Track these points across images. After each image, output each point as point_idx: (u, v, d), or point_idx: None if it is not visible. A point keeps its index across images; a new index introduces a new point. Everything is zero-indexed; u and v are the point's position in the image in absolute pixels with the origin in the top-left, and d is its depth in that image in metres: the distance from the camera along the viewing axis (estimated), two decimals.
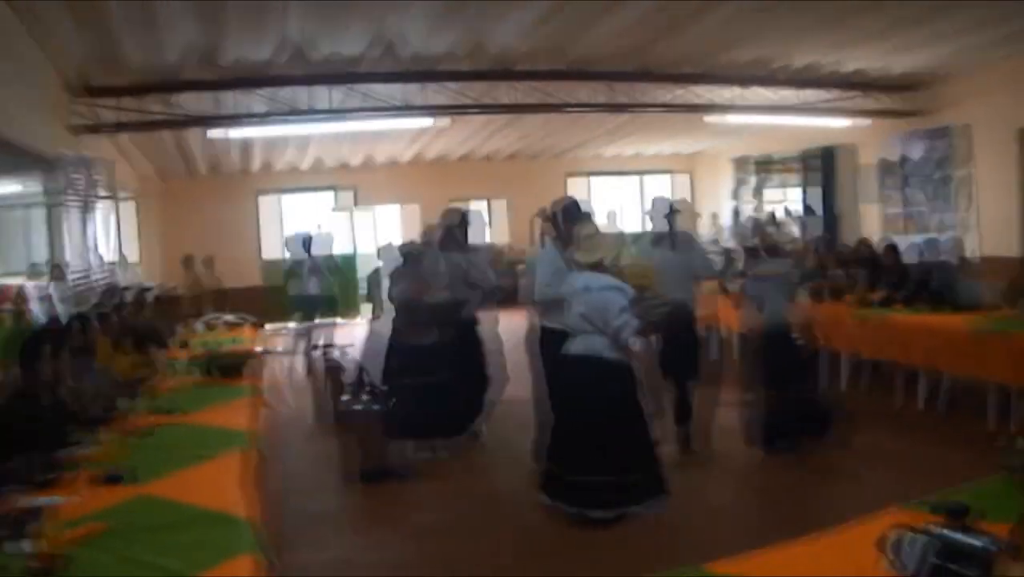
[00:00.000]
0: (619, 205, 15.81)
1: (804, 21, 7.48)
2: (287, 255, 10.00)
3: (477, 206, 12.48)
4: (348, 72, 8.29)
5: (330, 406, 6.90)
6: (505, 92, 9.15)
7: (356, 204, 14.62)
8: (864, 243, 8.32)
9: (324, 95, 8.59)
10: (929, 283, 6.56)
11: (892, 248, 7.37)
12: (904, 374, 6.57)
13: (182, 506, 2.88)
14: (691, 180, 17.10)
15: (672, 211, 5.67)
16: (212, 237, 13.02)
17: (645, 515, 4.31)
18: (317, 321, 9.36)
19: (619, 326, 4.33)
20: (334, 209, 14.64)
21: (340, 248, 14.19)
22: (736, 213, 15.18)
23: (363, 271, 14.65)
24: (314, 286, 9.30)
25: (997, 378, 5.63)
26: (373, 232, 14.34)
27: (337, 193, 14.79)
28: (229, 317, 9.16)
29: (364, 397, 5.65)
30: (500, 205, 15.44)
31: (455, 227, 6.29)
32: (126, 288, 7.68)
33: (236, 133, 9.42)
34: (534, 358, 5.32)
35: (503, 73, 8.75)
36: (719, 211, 15.44)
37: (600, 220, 6.01)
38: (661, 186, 16.58)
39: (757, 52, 8.77)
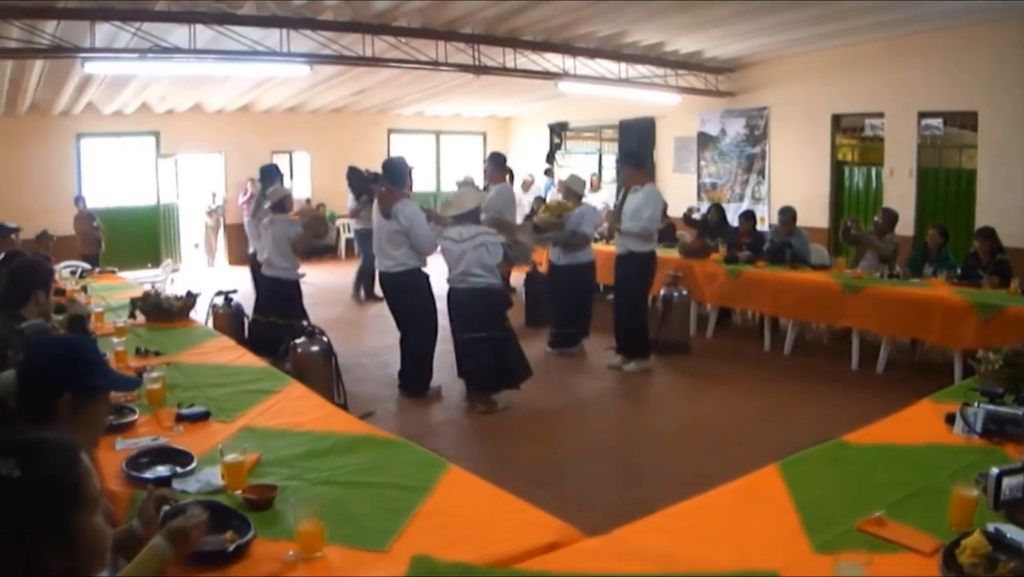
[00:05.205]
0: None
1: (656, 5, 8.35)
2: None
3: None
4: (222, 13, 7.93)
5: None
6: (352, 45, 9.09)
7: (176, 152, 13.78)
8: (716, 208, 9.53)
9: (195, 36, 8.09)
10: (789, 245, 7.77)
11: (748, 214, 8.57)
12: (770, 322, 7.57)
13: (318, 434, 2.89)
14: (484, 141, 17.77)
15: None
16: (27, 181, 11.61)
17: None
18: None
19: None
20: (159, 156, 13.64)
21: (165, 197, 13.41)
22: (549, 175, 15.73)
23: (184, 218, 13.89)
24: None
25: (863, 325, 6.64)
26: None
27: (160, 139, 13.72)
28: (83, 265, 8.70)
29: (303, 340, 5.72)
30: (303, 157, 15.24)
31: None
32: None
33: (108, 68, 8.58)
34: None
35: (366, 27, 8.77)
36: (535, 173, 15.98)
37: None
38: (472, 146, 17.53)
39: (611, 29, 9.61)
